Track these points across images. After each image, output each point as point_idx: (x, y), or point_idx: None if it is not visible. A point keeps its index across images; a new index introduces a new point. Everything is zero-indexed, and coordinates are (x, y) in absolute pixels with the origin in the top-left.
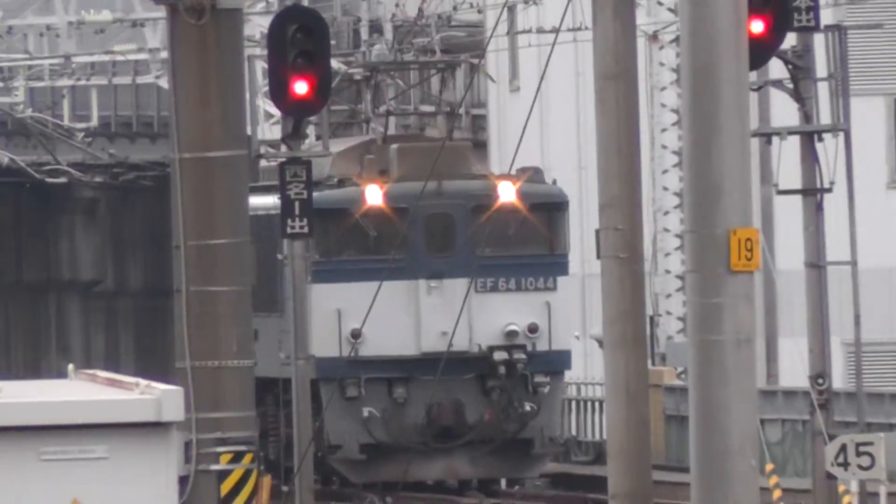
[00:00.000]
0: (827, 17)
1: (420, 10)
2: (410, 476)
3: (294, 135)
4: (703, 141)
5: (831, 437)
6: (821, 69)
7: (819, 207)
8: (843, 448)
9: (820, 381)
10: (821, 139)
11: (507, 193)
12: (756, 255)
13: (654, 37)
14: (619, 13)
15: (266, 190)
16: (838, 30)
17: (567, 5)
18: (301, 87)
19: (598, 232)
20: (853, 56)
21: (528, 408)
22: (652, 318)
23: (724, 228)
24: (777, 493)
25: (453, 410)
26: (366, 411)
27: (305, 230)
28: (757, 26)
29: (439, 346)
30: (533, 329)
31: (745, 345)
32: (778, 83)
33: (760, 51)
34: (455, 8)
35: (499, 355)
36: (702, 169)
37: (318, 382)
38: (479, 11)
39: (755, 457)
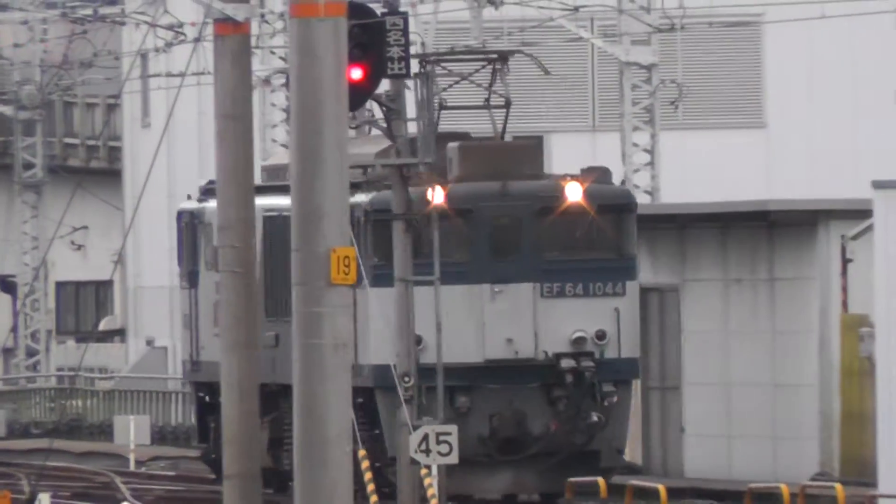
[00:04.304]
0: (416, 66)
1: (65, 55)
2: (473, 490)
3: None
4: (309, 171)
5: (415, 428)
6: (410, 111)
7: (407, 229)
8: (426, 437)
9: (406, 379)
10: (409, 170)
11: (574, 194)
12: (352, 271)
13: (266, 81)
14: (237, 61)
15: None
16: (426, 77)
17: (192, 53)
18: None
19: (216, 249)
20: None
21: (595, 419)
22: None
23: (326, 247)
24: (368, 475)
25: (517, 421)
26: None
27: None
28: (356, 73)
29: (504, 353)
30: (601, 336)
31: (342, 348)
32: (373, 122)
33: (359, 94)
34: (95, 55)
35: (566, 363)
36: (307, 196)
37: (373, 391)
38: (117, 58)
39: (349, 444)
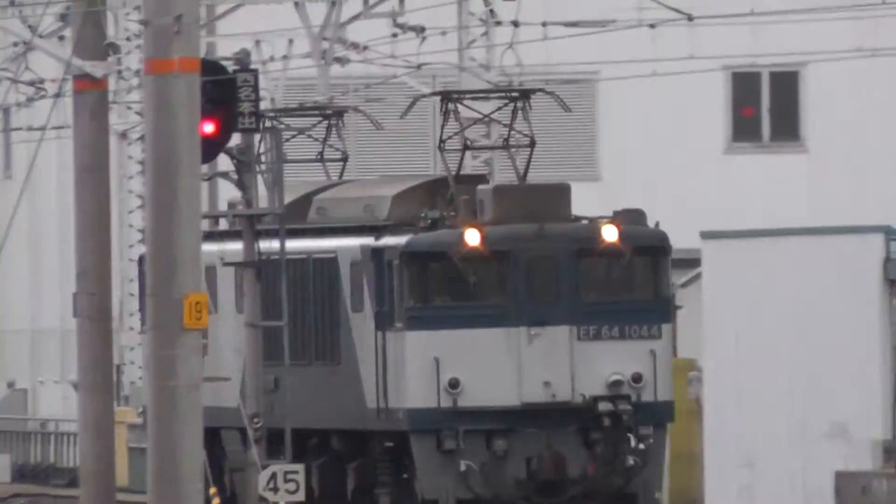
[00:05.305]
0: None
1: None
2: None
3: None
4: (164, 221)
5: (264, 466)
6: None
7: (258, 277)
8: (274, 476)
9: (256, 419)
10: (259, 221)
11: (610, 236)
12: (204, 316)
13: (123, 135)
14: (95, 115)
15: (331, 232)
16: (274, 132)
17: (52, 107)
18: None
19: (75, 295)
20: (287, 153)
21: (632, 462)
22: (119, 367)
23: (180, 293)
24: None
25: (555, 464)
26: (464, 465)
27: None
28: (208, 127)
29: (541, 396)
30: (637, 379)
31: (195, 389)
32: (225, 174)
33: (211, 147)
34: None
35: (604, 406)
36: (162, 244)
37: (406, 435)
38: None
39: (201, 482)
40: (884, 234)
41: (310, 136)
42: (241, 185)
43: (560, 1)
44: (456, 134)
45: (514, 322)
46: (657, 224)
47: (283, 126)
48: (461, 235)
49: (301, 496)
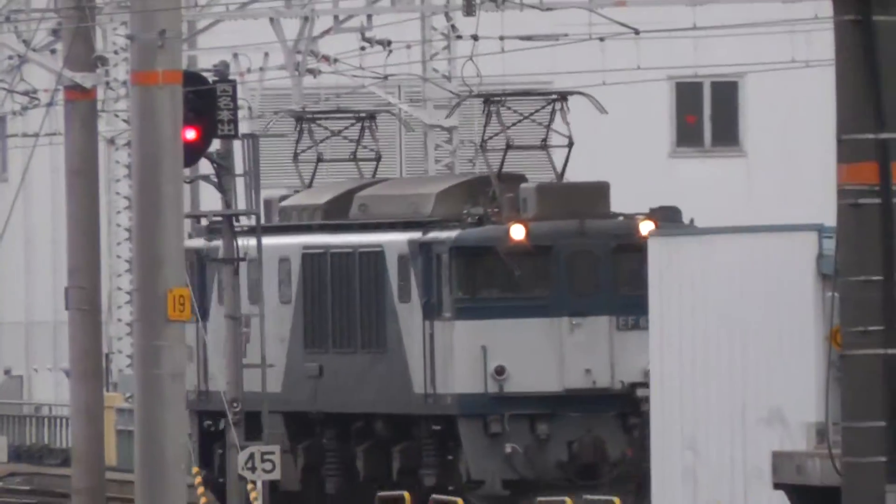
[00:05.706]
0: (244, 127)
1: None
2: None
3: None
4: (149, 221)
5: (243, 447)
6: (238, 167)
7: (236, 272)
8: (252, 456)
9: (235, 404)
10: (237, 220)
11: (647, 232)
12: (188, 308)
13: (111, 141)
14: (85, 123)
15: (375, 227)
16: (252, 138)
17: (45, 115)
18: None
19: (66, 289)
20: (263, 158)
21: None
22: (108, 356)
23: (164, 288)
24: (200, 490)
25: (595, 447)
26: (509, 447)
27: None
28: (190, 134)
29: (582, 382)
30: None
31: (179, 378)
32: (206, 177)
33: (193, 152)
34: None
35: (642, 392)
36: (147, 242)
37: (452, 418)
38: None
39: (185, 463)
40: (817, 232)
41: (344, 138)
42: (220, 187)
43: (516, 17)
44: (497, 134)
45: (556, 312)
46: (692, 221)
47: (322, 128)
48: (507, 231)
49: (276, 475)
